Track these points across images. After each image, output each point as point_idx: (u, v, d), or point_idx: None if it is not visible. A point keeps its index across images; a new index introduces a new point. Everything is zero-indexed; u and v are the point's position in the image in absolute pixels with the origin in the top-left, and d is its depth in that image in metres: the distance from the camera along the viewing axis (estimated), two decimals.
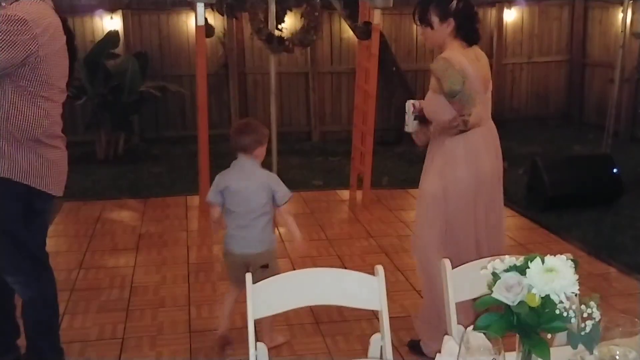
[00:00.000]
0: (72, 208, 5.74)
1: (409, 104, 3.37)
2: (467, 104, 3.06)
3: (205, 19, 5.29)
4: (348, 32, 8.03)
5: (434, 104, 3.20)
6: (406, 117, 3.38)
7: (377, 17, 5.56)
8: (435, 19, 3.12)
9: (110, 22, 7.95)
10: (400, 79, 8.29)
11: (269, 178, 3.35)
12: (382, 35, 6.73)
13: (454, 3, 3.11)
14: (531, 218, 5.56)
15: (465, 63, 3.09)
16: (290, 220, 3.41)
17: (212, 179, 5.64)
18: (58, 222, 5.47)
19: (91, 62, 7.11)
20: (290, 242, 5.06)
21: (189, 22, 8.10)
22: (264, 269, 3.24)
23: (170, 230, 5.32)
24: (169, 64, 8.31)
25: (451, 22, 3.11)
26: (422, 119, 3.33)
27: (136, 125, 8.13)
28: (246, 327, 2.06)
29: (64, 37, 2.90)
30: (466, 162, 3.19)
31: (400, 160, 7.33)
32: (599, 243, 4.98)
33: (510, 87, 9.21)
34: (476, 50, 3.21)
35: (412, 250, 3.70)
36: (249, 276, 2.10)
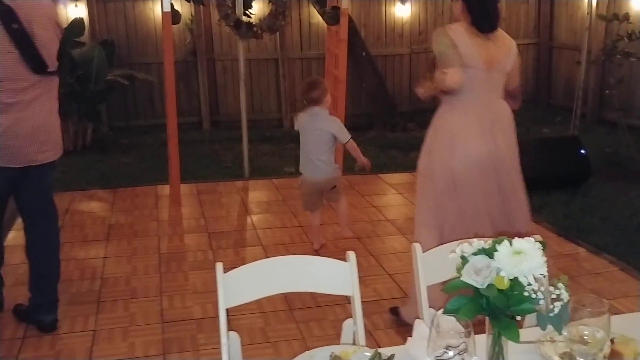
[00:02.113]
0: None
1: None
2: (442, 64, 3.16)
3: (172, 5, 5.22)
4: (317, 18, 8.00)
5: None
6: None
7: (345, 2, 5.55)
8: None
9: (75, 10, 7.81)
10: (370, 64, 8.29)
11: (332, 125, 4.40)
12: (351, 20, 6.71)
13: None
14: None
15: (461, 35, 3.14)
16: (353, 149, 4.47)
17: (182, 168, 5.65)
18: None
19: None
20: (264, 229, 5.06)
21: (155, 8, 7.99)
22: (333, 190, 4.50)
23: (140, 220, 5.26)
24: (136, 52, 8.20)
25: (460, 2, 3.18)
26: None
27: (104, 115, 8.03)
28: (218, 316, 2.04)
29: None
30: (449, 144, 3.23)
31: (372, 146, 7.34)
32: (568, 224, 5.05)
33: None
34: (495, 36, 3.21)
35: None
36: (219, 265, 2.08)
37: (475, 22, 3.17)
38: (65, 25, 7.50)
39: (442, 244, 2.28)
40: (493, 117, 3.28)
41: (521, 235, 1.56)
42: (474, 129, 3.24)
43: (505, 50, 3.25)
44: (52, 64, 3.35)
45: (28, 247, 3.58)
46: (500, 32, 3.26)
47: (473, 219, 3.25)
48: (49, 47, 3.30)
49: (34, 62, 3.22)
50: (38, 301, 3.59)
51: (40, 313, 3.58)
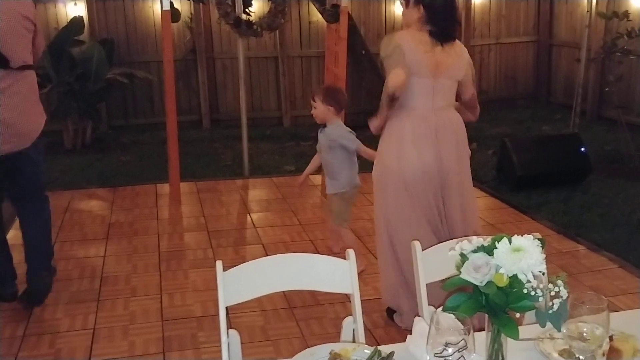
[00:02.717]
0: None
1: None
2: (390, 66, 3.15)
3: (171, 3, 5.22)
4: (317, 16, 7.99)
5: None
6: None
7: (345, 0, 5.54)
8: (410, 0, 3.18)
9: (74, 9, 7.80)
10: (370, 62, 8.28)
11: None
12: (350, 18, 6.70)
13: None
14: (501, 198, 5.62)
15: (409, 41, 3.12)
16: (363, 151, 4.21)
17: (181, 166, 5.65)
18: None
19: (56, 50, 6.95)
20: (264, 227, 5.06)
21: (155, 6, 7.99)
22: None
23: (140, 218, 5.26)
24: (136, 50, 8.19)
25: (421, 9, 3.14)
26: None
27: (104, 113, 8.02)
28: (218, 314, 2.05)
29: None
30: (397, 153, 3.28)
31: (371, 143, 7.31)
32: (568, 221, 5.06)
33: (479, 69, 9.26)
34: (447, 44, 3.18)
35: None
36: (219, 263, 2.08)
37: (435, 32, 3.13)
38: (64, 24, 7.54)
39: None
40: (438, 125, 3.24)
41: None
42: (419, 137, 3.22)
43: (454, 56, 3.20)
44: (16, 59, 3.39)
45: (21, 228, 3.87)
46: (458, 43, 3.24)
47: (417, 227, 3.26)
48: (9, 42, 3.34)
49: None
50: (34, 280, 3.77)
51: (29, 283, 3.76)
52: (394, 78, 3.10)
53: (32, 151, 3.59)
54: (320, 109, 4.14)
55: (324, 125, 4.20)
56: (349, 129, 4.21)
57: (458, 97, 3.34)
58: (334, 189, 4.23)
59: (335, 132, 4.15)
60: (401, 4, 3.27)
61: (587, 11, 6.86)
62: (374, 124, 3.39)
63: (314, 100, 4.17)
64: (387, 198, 3.37)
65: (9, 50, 3.34)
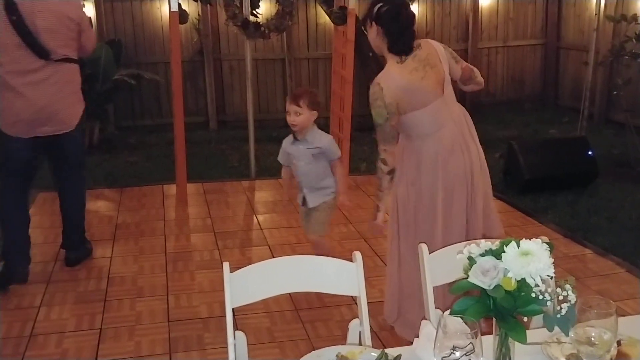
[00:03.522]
0: (47, 199, 5.66)
1: None
2: (382, 140, 3.13)
3: (179, 5, 5.23)
4: (324, 18, 8.01)
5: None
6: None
7: (352, 2, 5.54)
8: (366, 24, 3.11)
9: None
10: (377, 65, 8.28)
11: None
12: (358, 20, 6.71)
13: (377, 7, 3.05)
14: (508, 201, 5.61)
15: (400, 83, 3.02)
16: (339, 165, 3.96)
17: (188, 167, 5.65)
18: (33, 213, 5.38)
19: None
20: (270, 229, 5.06)
21: (163, 8, 8.01)
22: None
23: (147, 219, 5.28)
24: (143, 52, 8.21)
25: (375, 27, 3.06)
26: None
27: (111, 114, 8.04)
28: (225, 315, 2.05)
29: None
30: (433, 170, 3.15)
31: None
32: (575, 225, 5.04)
33: (486, 71, 9.25)
34: (421, 54, 3.07)
35: None
36: (226, 265, 2.09)
37: (393, 47, 3.06)
38: None
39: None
40: (462, 128, 3.20)
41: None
42: (452, 149, 3.15)
43: (435, 57, 3.11)
44: (57, 52, 3.87)
45: (60, 200, 4.42)
46: (424, 43, 3.12)
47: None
48: (50, 38, 3.82)
49: (35, 48, 3.78)
50: (66, 243, 4.43)
51: (64, 247, 4.44)
52: (391, 158, 3.14)
53: (75, 134, 4.13)
54: (305, 115, 3.72)
55: (295, 134, 3.82)
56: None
57: (454, 82, 3.23)
58: (321, 198, 3.87)
59: (322, 140, 3.79)
60: (365, 31, 3.19)
61: (595, 14, 6.84)
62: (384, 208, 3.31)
63: (297, 106, 3.69)
64: (417, 218, 3.24)
65: (49, 44, 3.82)
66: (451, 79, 3.18)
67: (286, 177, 4.07)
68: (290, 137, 3.88)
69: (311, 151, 3.77)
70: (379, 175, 3.22)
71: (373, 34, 3.11)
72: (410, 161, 3.21)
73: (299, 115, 3.70)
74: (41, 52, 3.82)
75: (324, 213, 3.90)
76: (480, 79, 3.23)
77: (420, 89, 3.05)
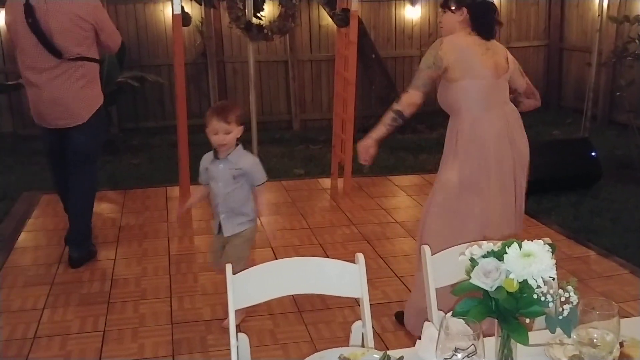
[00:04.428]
0: (50, 201, 5.68)
1: None
2: (414, 83, 3.17)
3: (182, 7, 5.23)
4: (327, 20, 8.02)
5: (444, 92, 3.23)
6: None
7: (355, 4, 5.54)
8: (452, 5, 3.18)
9: None
10: (380, 66, 8.29)
11: None
12: (360, 22, 6.72)
13: None
14: None
15: (461, 44, 3.11)
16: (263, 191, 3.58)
17: (192, 169, 5.65)
18: (37, 215, 5.42)
19: None
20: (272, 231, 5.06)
21: (166, 11, 8.02)
22: None
23: (150, 221, 5.28)
24: (147, 54, 8.23)
25: (464, 12, 3.15)
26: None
27: (115, 116, 8.06)
28: (228, 317, 2.05)
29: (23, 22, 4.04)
30: (463, 154, 3.17)
31: (382, 148, 7.26)
32: (578, 226, 5.03)
33: None
34: (490, 43, 3.20)
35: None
36: (229, 267, 2.09)
37: (476, 29, 3.15)
38: None
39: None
40: (508, 121, 3.25)
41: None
42: (491, 134, 3.20)
43: (503, 55, 3.26)
44: (69, 51, 4.11)
45: (68, 192, 4.48)
46: (497, 42, 3.27)
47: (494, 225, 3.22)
48: (62, 38, 4.07)
49: (50, 48, 4.06)
50: (69, 237, 4.52)
51: (67, 243, 4.52)
52: (407, 100, 3.17)
53: (85, 128, 4.28)
54: (235, 132, 3.34)
55: (216, 152, 3.41)
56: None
57: (515, 91, 3.36)
58: (241, 226, 3.48)
59: (245, 160, 3.41)
60: (442, 11, 3.27)
61: (598, 15, 6.83)
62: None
63: (226, 123, 3.30)
64: (459, 200, 3.23)
65: (61, 44, 4.08)
66: (515, 89, 3.33)
67: (197, 195, 3.67)
68: (210, 154, 3.45)
69: (232, 172, 3.38)
70: (387, 112, 3.24)
71: (458, 17, 3.16)
72: (459, 140, 3.20)
73: (229, 133, 3.32)
74: (55, 51, 4.08)
75: (241, 247, 3.50)
76: (539, 97, 3.47)
77: (478, 61, 3.12)
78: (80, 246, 4.44)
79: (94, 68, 4.33)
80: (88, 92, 4.30)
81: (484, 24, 3.17)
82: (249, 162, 3.42)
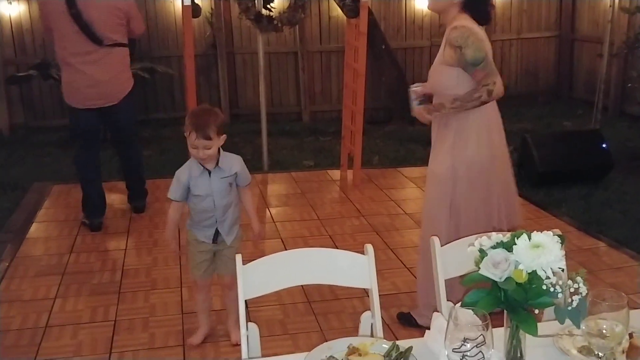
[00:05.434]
0: (61, 191, 5.72)
1: (411, 91, 3.32)
2: (491, 72, 3.05)
3: None
4: (337, 10, 7.98)
5: (446, 78, 3.13)
6: (411, 102, 3.33)
7: None
8: None
9: None
10: (390, 57, 8.26)
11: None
12: (370, 13, 6.69)
13: None
14: (521, 194, 5.54)
15: (482, 34, 3.10)
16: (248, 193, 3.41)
17: None
18: (48, 206, 5.45)
19: None
20: (283, 222, 5.07)
21: (176, 2, 8.02)
22: None
23: (160, 212, 5.30)
24: (157, 45, 8.24)
25: None
26: (425, 100, 3.30)
27: None
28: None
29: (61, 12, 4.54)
30: (478, 141, 3.16)
31: (391, 139, 7.34)
32: (589, 218, 5.02)
33: (500, 64, 9.19)
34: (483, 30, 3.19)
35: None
36: (239, 257, 2.10)
37: (473, 13, 3.09)
38: None
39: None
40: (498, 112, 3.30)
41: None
42: (496, 122, 3.25)
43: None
44: (107, 38, 4.65)
45: (120, 161, 5.43)
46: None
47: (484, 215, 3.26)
48: (101, 27, 4.60)
49: (90, 36, 4.57)
50: (132, 195, 5.37)
51: (131, 201, 5.37)
52: (499, 90, 3.08)
53: (123, 106, 4.89)
54: (216, 145, 3.07)
55: (202, 164, 3.12)
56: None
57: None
58: (235, 227, 3.30)
59: (235, 162, 3.19)
60: None
61: (610, 6, 6.79)
62: (426, 119, 3.26)
63: (207, 139, 3.01)
64: (456, 194, 3.24)
65: (101, 32, 4.60)
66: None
67: (177, 216, 3.31)
68: (195, 167, 3.13)
69: (228, 180, 3.15)
70: (466, 98, 3.08)
71: (451, 1, 3.09)
72: (468, 129, 3.18)
73: (210, 148, 3.03)
74: (95, 38, 4.60)
75: (236, 247, 3.28)
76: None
77: (488, 49, 3.09)
78: (143, 198, 5.33)
79: (127, 53, 4.90)
80: (124, 76, 4.90)
81: (480, 8, 3.11)
82: (238, 163, 3.20)
